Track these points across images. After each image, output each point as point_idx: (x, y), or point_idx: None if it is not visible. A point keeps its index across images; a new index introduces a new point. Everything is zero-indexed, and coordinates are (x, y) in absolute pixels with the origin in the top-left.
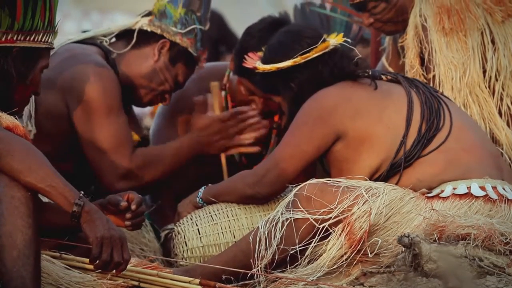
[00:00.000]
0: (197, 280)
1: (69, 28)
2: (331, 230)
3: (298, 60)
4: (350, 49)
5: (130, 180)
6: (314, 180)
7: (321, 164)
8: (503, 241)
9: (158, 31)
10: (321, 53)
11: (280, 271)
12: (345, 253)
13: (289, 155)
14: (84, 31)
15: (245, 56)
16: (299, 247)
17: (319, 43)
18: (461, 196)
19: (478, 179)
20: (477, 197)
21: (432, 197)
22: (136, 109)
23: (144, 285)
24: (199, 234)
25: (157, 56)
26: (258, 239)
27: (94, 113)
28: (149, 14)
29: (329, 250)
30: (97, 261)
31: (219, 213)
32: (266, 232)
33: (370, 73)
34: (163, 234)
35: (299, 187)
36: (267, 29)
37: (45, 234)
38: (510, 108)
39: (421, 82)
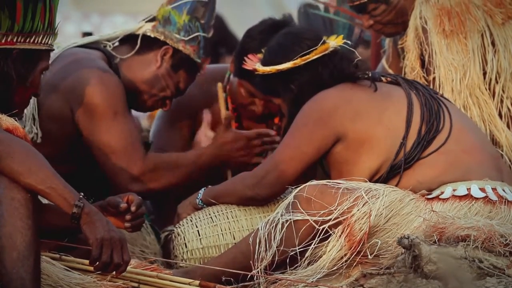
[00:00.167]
0: (197, 282)
1: (69, 30)
2: (331, 232)
3: (298, 62)
4: (350, 51)
5: (143, 183)
6: (314, 182)
7: (321, 166)
8: (503, 243)
9: (162, 37)
10: (321, 55)
11: (280, 273)
12: (345, 255)
13: (289, 156)
14: (85, 33)
15: (245, 58)
16: (299, 249)
17: (319, 45)
18: (461, 197)
19: (478, 180)
20: (477, 198)
21: (432, 198)
22: (134, 111)
23: (143, 287)
24: (199, 235)
25: (159, 62)
26: (258, 241)
27: (101, 118)
28: (153, 19)
29: (329, 251)
30: (97, 263)
31: (219, 214)
32: (266, 234)
33: (370, 75)
34: (163, 236)
35: (299, 188)
36: (268, 31)
37: (45, 236)
38: (510, 110)
39: (421, 84)
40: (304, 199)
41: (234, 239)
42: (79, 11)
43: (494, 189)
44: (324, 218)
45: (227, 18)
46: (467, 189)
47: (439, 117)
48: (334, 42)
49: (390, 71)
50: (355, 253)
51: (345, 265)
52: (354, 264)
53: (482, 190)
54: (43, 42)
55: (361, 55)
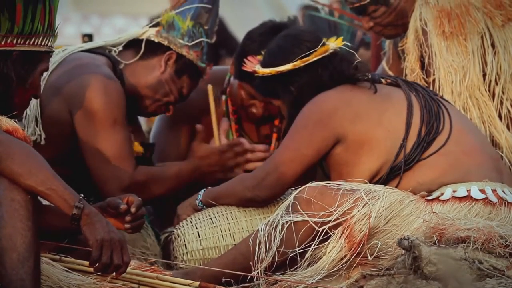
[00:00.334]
0: (197, 283)
1: (69, 31)
2: (331, 233)
3: (298, 63)
4: (349, 53)
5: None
6: (314, 183)
7: (321, 168)
8: (502, 244)
9: (165, 43)
10: (320, 56)
11: (280, 274)
12: (345, 256)
13: (289, 158)
14: (85, 35)
15: (245, 60)
16: (299, 250)
17: (319, 46)
18: (460, 199)
19: (478, 182)
20: (476, 200)
21: (432, 200)
22: None
23: None
24: (199, 236)
25: (163, 67)
26: (258, 242)
27: (99, 124)
28: (157, 24)
29: (329, 252)
30: (97, 264)
31: (218, 216)
32: (266, 235)
33: (369, 76)
34: (163, 237)
35: (299, 190)
36: (268, 34)
37: (45, 237)
38: (510, 111)
39: (420, 85)
40: (304, 200)
41: (234, 240)
42: (79, 12)
43: (494, 191)
44: (324, 219)
45: (227, 19)
46: (467, 190)
47: (439, 119)
48: (333, 44)
49: (391, 73)
50: (355, 254)
51: (345, 266)
52: (354, 265)
53: (482, 191)
54: (42, 44)
55: (362, 57)
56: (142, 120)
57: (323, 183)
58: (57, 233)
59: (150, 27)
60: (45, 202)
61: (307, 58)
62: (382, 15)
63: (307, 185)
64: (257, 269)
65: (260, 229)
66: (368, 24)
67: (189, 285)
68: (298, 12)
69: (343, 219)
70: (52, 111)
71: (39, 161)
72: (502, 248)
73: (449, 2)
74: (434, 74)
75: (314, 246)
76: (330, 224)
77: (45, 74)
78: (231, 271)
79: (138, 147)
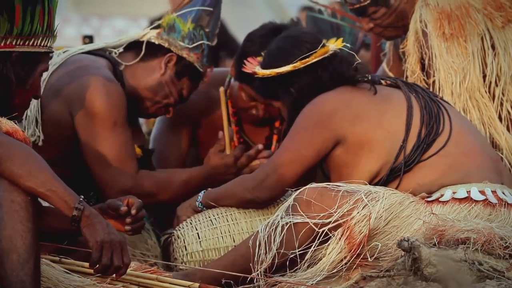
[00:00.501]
0: (197, 284)
1: (69, 33)
2: (330, 234)
3: (298, 65)
4: (349, 54)
5: None
6: (314, 184)
7: (320, 169)
8: (502, 245)
9: (166, 45)
10: (320, 58)
11: (280, 275)
12: (345, 257)
13: (289, 160)
14: (85, 36)
15: (245, 61)
16: (298, 251)
17: (319, 48)
18: (460, 200)
19: (478, 183)
20: (476, 201)
21: (432, 201)
22: None
23: None
24: (199, 238)
25: (163, 69)
26: (257, 243)
27: (99, 126)
28: (157, 27)
29: (328, 254)
30: (97, 265)
31: (218, 217)
32: (266, 236)
33: (369, 77)
34: (162, 239)
35: (298, 191)
36: (269, 35)
37: (45, 238)
38: (510, 113)
39: (420, 87)
40: (304, 201)
41: (234, 241)
42: (79, 14)
43: (494, 192)
44: (324, 220)
45: (227, 21)
46: (467, 191)
47: (439, 120)
48: (333, 45)
49: (391, 74)
50: (355, 255)
51: (345, 267)
52: (354, 266)
53: (482, 192)
54: (42, 44)
55: (362, 58)
56: (142, 121)
57: (323, 185)
58: (57, 235)
59: (151, 29)
60: (45, 204)
61: (307, 59)
62: (382, 16)
63: (307, 186)
64: (257, 270)
65: (260, 231)
66: (368, 25)
67: (189, 286)
68: (299, 13)
69: (343, 220)
70: (53, 112)
71: (39, 163)
72: (502, 250)
73: (449, 4)
74: (434, 76)
75: (314, 247)
76: (330, 226)
77: (45, 75)
78: (231, 273)
79: (137, 149)
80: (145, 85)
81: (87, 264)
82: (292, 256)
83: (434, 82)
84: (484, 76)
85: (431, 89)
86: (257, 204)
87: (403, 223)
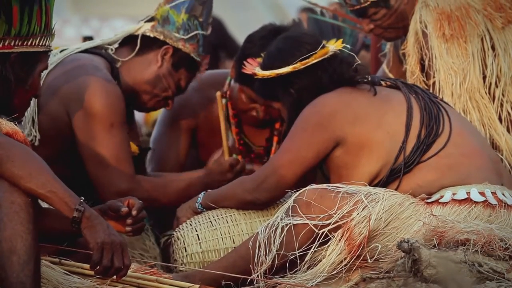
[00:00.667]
0: (197, 286)
1: (69, 34)
2: (330, 236)
3: (298, 66)
4: (349, 55)
5: None
6: (314, 186)
7: (320, 170)
8: (502, 247)
9: (161, 37)
10: (320, 59)
11: (280, 277)
12: (345, 259)
13: (288, 161)
14: (85, 37)
15: (244, 63)
16: (298, 253)
17: (319, 49)
18: (460, 201)
19: (478, 184)
20: (476, 202)
21: (432, 202)
22: (136, 116)
23: None
24: (199, 239)
25: (160, 62)
26: (257, 245)
27: (97, 126)
28: (151, 19)
29: (328, 255)
30: (98, 267)
31: (218, 218)
32: (266, 238)
33: (369, 79)
34: (162, 240)
35: (298, 192)
36: (269, 37)
37: (45, 240)
38: (510, 114)
39: (420, 88)
40: (303, 203)
41: (234, 243)
42: (78, 15)
43: (493, 193)
44: (323, 222)
45: (226, 21)
46: (467, 193)
47: (439, 121)
48: (333, 46)
49: (391, 75)
50: (355, 257)
51: (344, 269)
52: (354, 268)
53: (482, 194)
54: (40, 44)
55: (363, 59)
56: (141, 122)
57: (323, 186)
58: (57, 236)
59: (145, 22)
60: (45, 205)
61: (307, 60)
62: (383, 17)
63: (307, 187)
64: (257, 272)
65: (259, 232)
66: (369, 26)
67: None
68: (298, 14)
69: (343, 221)
70: (50, 112)
71: (39, 164)
72: (501, 251)
73: (449, 5)
74: (434, 77)
75: (313, 249)
76: (330, 227)
77: (42, 74)
78: (230, 274)
79: (133, 147)
80: (142, 79)
81: (87, 266)
82: (292, 257)
83: (434, 83)
84: (484, 77)
85: (431, 90)
86: (257, 205)
87: (403, 225)
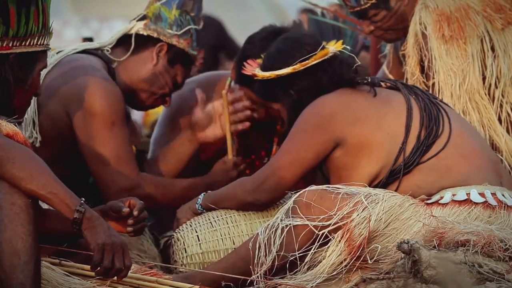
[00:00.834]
0: (197, 287)
1: (69, 35)
2: (330, 237)
3: (298, 67)
4: (349, 56)
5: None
6: (314, 187)
7: (320, 171)
8: (502, 248)
9: (155, 35)
10: (320, 60)
11: (280, 278)
12: (345, 260)
13: (288, 162)
14: (85, 39)
15: (244, 63)
16: (298, 254)
17: (318, 50)
18: (460, 202)
19: (478, 185)
20: (476, 203)
21: (432, 203)
22: (134, 115)
23: None
24: (199, 240)
25: (155, 59)
26: (257, 246)
27: (98, 126)
28: (143, 18)
29: (328, 256)
30: (99, 268)
31: (218, 219)
32: (266, 239)
33: (369, 80)
34: (162, 241)
35: (298, 193)
36: (269, 38)
37: (45, 241)
38: (510, 115)
39: (420, 89)
40: (303, 204)
41: (234, 244)
42: (78, 16)
43: (493, 194)
44: (323, 223)
45: (226, 22)
46: (467, 194)
47: (438, 122)
48: (333, 47)
49: (391, 76)
50: (355, 258)
51: (344, 270)
52: (354, 269)
53: (482, 195)
54: (39, 43)
55: (363, 60)
56: (141, 123)
57: (323, 187)
58: (58, 237)
59: (137, 21)
60: (45, 206)
61: (307, 61)
62: (383, 19)
63: (307, 188)
64: (257, 273)
65: (259, 233)
66: (369, 28)
67: None
68: (299, 15)
69: (343, 222)
70: (49, 113)
71: (40, 165)
72: (501, 252)
73: (449, 6)
74: (433, 78)
75: (313, 250)
76: (329, 228)
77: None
78: (231, 275)
79: None
80: (139, 77)
81: (87, 267)
82: (292, 258)
83: (433, 84)
84: (484, 78)
85: (430, 91)
86: (256, 206)
87: (403, 226)
